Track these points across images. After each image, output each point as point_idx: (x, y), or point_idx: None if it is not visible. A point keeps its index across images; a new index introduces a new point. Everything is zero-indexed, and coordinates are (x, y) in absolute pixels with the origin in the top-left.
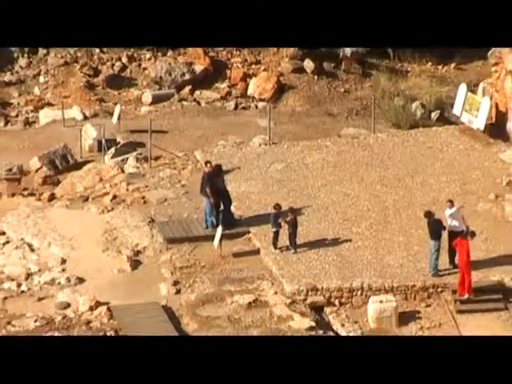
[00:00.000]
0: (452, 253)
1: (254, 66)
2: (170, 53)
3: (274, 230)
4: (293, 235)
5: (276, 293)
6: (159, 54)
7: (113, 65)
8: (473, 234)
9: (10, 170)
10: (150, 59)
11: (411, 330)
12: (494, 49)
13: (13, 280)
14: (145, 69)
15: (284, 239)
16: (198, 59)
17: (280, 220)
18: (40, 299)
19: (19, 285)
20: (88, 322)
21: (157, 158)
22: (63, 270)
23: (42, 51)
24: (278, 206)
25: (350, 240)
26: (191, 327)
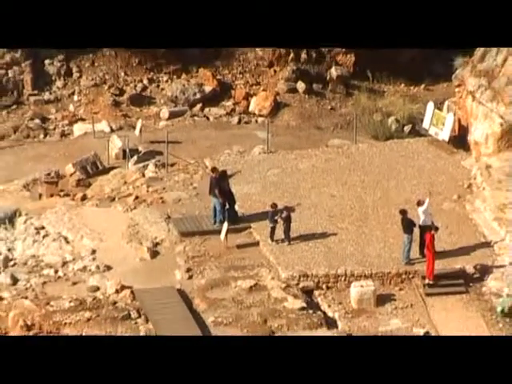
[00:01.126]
0: (422, 245)
1: (254, 87)
2: (183, 75)
3: (271, 225)
4: (287, 229)
5: (273, 278)
6: (175, 76)
7: (135, 86)
8: (436, 229)
9: (49, 174)
10: (167, 81)
11: (387, 309)
12: (457, 72)
13: (51, 267)
14: (162, 89)
15: (279, 233)
16: (207, 81)
17: (276, 217)
18: (74, 283)
19: (56, 271)
20: (114, 303)
21: (172, 165)
22: (93, 259)
23: (75, 74)
24: (274, 205)
25: (336, 234)
26: (201, 307)
